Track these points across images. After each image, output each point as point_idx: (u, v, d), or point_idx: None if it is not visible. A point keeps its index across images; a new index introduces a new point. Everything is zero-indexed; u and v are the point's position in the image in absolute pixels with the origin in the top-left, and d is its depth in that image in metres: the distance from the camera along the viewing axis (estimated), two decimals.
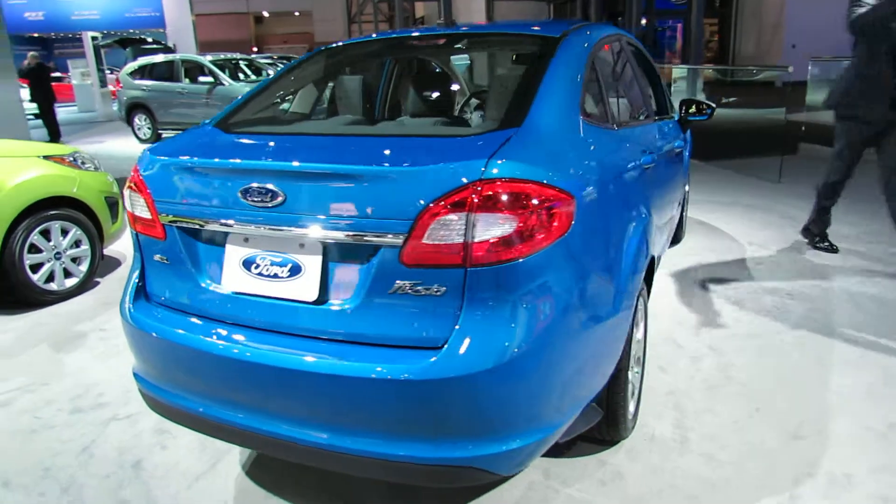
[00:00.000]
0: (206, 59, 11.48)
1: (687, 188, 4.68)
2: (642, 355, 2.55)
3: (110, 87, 17.08)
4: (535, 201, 1.56)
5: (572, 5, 20.20)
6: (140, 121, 11.87)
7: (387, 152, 1.69)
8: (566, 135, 1.86)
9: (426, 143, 1.74)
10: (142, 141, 11.96)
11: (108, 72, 18.91)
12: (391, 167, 1.57)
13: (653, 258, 2.43)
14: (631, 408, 2.36)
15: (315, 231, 1.64)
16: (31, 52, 11.86)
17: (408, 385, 1.52)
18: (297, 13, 36.23)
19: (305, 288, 1.69)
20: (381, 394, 1.56)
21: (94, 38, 17.49)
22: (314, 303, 1.69)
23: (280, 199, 1.66)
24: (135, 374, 2.04)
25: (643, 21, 17.29)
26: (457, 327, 1.55)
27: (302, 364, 1.62)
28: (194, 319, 1.86)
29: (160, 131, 11.61)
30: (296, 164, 1.65)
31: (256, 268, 1.76)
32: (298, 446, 1.70)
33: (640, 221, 2.18)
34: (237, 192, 1.71)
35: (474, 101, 2.94)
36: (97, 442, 2.49)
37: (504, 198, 1.53)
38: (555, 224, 1.61)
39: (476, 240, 1.51)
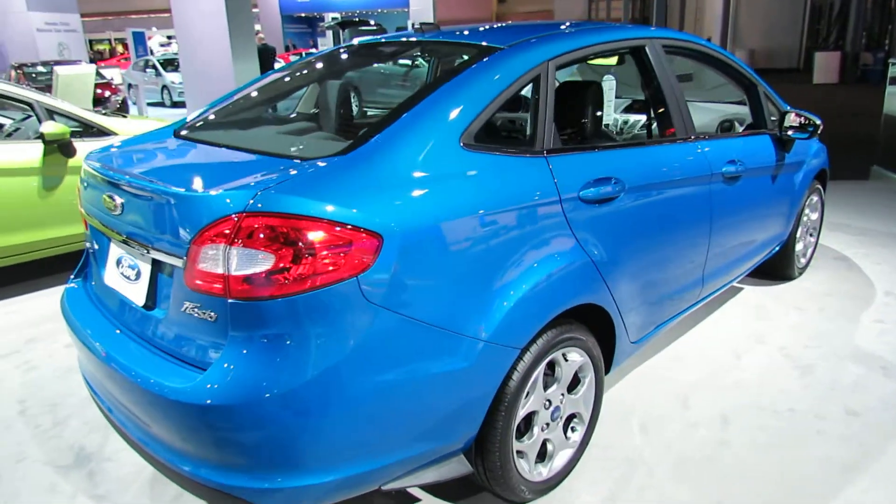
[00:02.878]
0: None
1: (814, 216, 3.88)
2: (586, 412, 2.23)
3: None
4: (305, 239, 1.47)
5: None
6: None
7: (198, 171, 1.72)
8: (414, 166, 1.69)
9: (247, 164, 1.72)
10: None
11: None
12: (174, 189, 1.60)
13: (595, 307, 2.11)
14: (542, 471, 2.11)
15: (138, 242, 1.73)
16: (259, 35, 13.62)
17: (162, 401, 1.57)
18: None
19: (139, 292, 1.81)
20: (154, 404, 1.62)
21: (333, 19, 19.41)
22: (143, 307, 1.79)
23: (119, 208, 1.78)
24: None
25: None
26: (218, 357, 1.55)
27: (116, 362, 1.75)
28: (88, 304, 2.08)
29: (365, 109, 12.57)
30: (120, 176, 1.77)
31: (121, 266, 1.92)
32: (134, 441, 1.83)
33: (550, 263, 1.90)
34: (102, 198, 1.87)
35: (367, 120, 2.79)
36: None
37: (264, 232, 1.47)
38: (336, 265, 1.49)
39: (233, 273, 1.48)
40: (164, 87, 16.88)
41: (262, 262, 1.47)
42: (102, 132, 4.27)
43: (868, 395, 2.67)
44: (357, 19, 22.32)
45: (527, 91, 2.07)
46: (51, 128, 3.85)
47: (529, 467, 2.05)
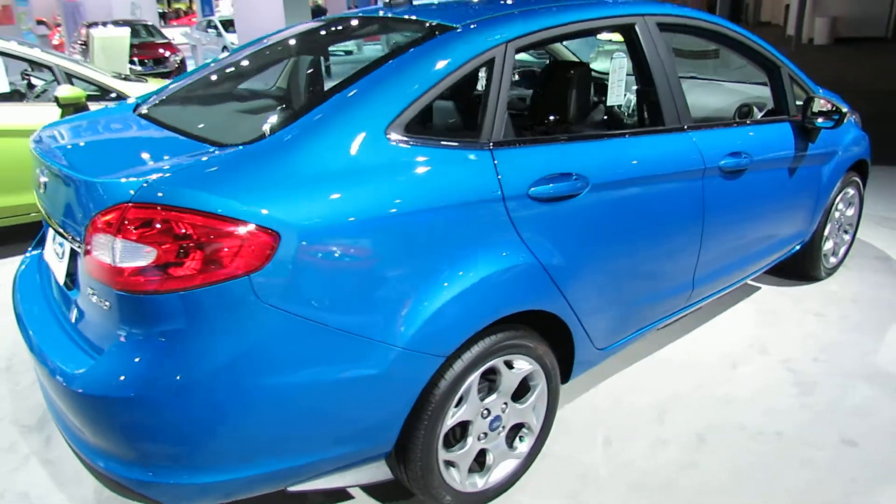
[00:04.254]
0: None
1: (849, 212, 3.53)
2: (536, 422, 2.09)
3: None
4: (192, 234, 1.40)
5: None
6: None
7: (112, 154, 1.68)
8: (326, 159, 1.56)
9: (164, 148, 1.67)
10: None
11: None
12: (74, 173, 1.58)
13: (542, 312, 1.95)
14: (478, 482, 1.99)
15: (54, 221, 1.72)
16: None
17: (57, 383, 1.57)
18: None
19: (61, 270, 1.81)
20: (54, 386, 1.60)
21: None
22: (65, 286, 1.77)
23: (43, 186, 1.76)
24: None
25: None
26: (107, 347, 1.51)
27: (35, 340, 1.75)
28: (35, 279, 2.09)
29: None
30: (42, 153, 1.75)
31: (54, 243, 1.91)
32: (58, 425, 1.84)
33: (485, 267, 1.74)
34: (35, 173, 1.86)
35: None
36: None
37: (148, 225, 1.40)
38: (226, 262, 1.41)
39: (118, 264, 1.43)
40: (225, 47, 17.09)
41: (147, 256, 1.41)
42: (120, 97, 4.31)
43: (872, 422, 2.41)
44: None
45: (481, 76, 1.90)
46: (65, 91, 3.90)
47: (461, 478, 1.94)
